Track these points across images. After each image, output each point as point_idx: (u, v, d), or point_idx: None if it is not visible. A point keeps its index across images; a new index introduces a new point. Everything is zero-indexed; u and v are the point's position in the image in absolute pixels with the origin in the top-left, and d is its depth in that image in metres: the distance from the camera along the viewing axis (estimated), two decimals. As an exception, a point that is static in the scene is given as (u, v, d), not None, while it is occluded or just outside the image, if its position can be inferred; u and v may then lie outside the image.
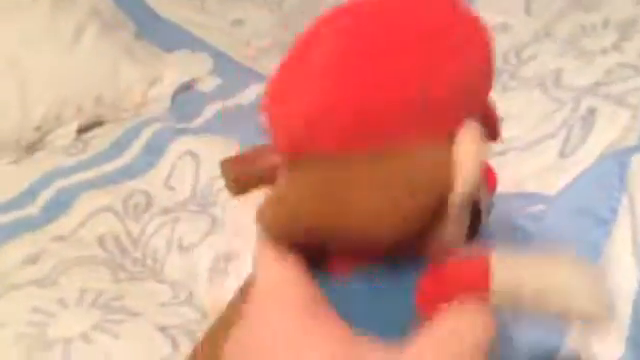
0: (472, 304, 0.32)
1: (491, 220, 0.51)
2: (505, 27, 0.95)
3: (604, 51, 0.77)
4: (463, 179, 0.31)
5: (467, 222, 0.35)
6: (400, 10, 0.33)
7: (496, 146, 0.72)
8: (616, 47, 0.76)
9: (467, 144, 0.31)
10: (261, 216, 0.34)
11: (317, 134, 0.32)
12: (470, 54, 0.34)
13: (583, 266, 0.32)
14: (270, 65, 1.08)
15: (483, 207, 0.37)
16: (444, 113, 0.32)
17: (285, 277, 0.32)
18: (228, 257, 0.69)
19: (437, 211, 0.32)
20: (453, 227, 0.33)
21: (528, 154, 0.67)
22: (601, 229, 0.42)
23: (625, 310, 0.41)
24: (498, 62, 0.90)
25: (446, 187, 0.31)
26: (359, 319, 0.32)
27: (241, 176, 0.72)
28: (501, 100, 0.78)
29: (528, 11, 0.96)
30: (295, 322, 0.31)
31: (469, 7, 0.35)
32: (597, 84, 0.71)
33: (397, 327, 0.32)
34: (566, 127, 0.68)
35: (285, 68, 0.34)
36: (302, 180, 0.33)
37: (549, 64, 0.80)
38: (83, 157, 0.92)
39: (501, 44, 0.92)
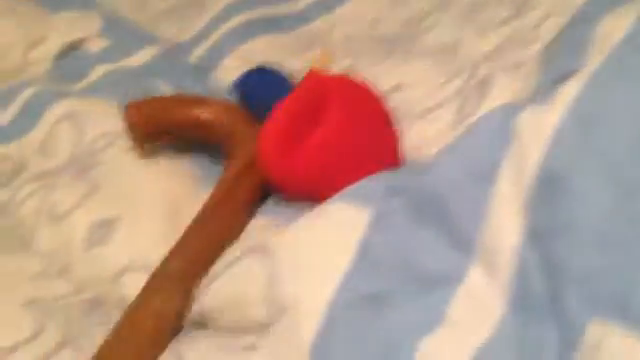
0: None
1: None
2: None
3: (502, 22, 0.76)
4: None
5: None
6: None
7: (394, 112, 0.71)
8: (512, 20, 0.76)
9: None
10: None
11: None
12: None
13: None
14: (170, 28, 1.01)
15: None
16: None
17: None
18: (106, 224, 0.64)
19: None
20: None
21: (423, 121, 0.66)
22: (484, 183, 0.41)
23: (506, 270, 0.40)
24: (398, 31, 0.89)
25: None
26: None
27: (149, 122, 0.72)
28: (399, 68, 0.77)
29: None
30: None
31: None
32: (493, 52, 0.70)
33: None
34: (462, 95, 0.66)
35: None
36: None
37: (447, 35, 0.79)
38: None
39: (400, 15, 0.90)
